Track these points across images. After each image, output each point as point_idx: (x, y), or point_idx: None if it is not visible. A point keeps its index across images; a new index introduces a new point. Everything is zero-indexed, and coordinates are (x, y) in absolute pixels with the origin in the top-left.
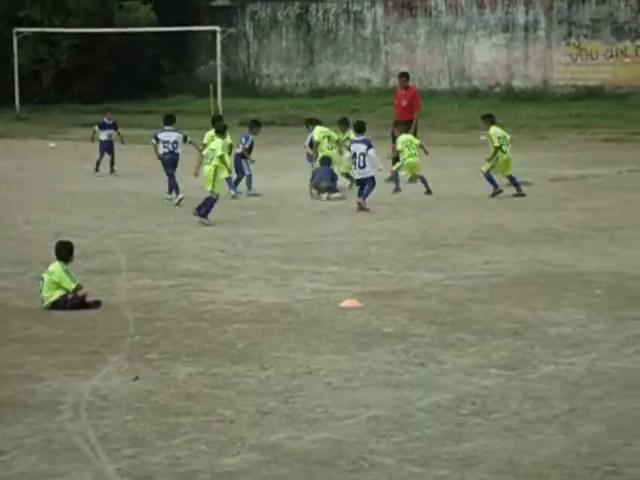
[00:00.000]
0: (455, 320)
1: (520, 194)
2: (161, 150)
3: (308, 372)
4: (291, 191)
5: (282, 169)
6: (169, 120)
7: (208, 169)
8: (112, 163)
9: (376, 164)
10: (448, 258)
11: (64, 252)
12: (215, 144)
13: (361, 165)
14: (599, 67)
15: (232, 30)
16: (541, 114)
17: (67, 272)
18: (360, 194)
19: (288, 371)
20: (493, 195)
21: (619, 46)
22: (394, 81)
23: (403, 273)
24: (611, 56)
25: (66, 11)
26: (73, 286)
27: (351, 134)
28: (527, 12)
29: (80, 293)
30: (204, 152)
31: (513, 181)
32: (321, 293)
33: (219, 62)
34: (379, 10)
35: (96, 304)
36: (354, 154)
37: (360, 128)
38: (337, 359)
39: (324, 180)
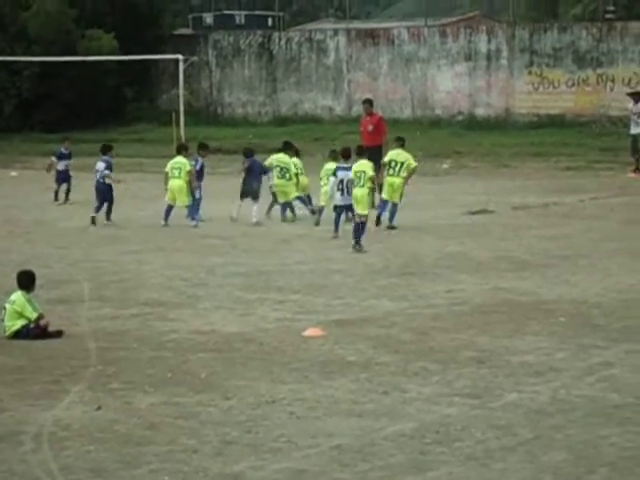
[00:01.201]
0: (419, 349)
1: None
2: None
3: (271, 401)
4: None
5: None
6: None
7: (179, 183)
8: (68, 192)
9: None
10: (411, 286)
11: (26, 281)
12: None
13: (348, 192)
14: (561, 96)
15: (194, 58)
16: (503, 142)
17: (29, 301)
18: (336, 227)
19: (251, 400)
20: None
21: (581, 75)
22: (357, 109)
23: (366, 302)
24: (573, 85)
25: (28, 39)
26: (35, 315)
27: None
28: (489, 41)
29: (42, 322)
30: (166, 169)
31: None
32: (284, 322)
33: (182, 90)
34: (342, 39)
35: (58, 333)
36: (341, 180)
37: (346, 155)
38: (300, 388)
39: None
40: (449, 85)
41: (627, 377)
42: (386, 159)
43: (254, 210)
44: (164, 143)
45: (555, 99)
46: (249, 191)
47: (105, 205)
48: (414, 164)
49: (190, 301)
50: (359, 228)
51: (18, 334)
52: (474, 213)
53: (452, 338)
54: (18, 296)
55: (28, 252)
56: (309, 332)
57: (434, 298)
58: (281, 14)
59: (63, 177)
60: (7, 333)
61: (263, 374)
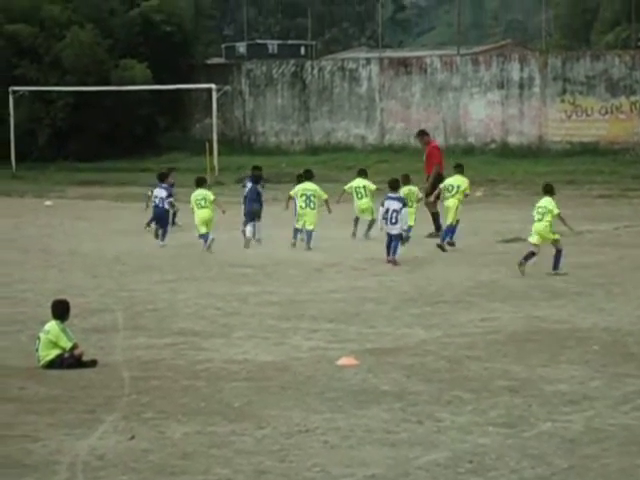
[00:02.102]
0: (452, 378)
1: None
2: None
3: (305, 431)
4: (287, 248)
5: (277, 225)
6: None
7: (209, 212)
8: (174, 217)
9: (404, 222)
10: (444, 315)
11: (60, 311)
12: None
13: (393, 221)
14: (594, 123)
15: (228, 88)
16: (537, 170)
17: (64, 331)
18: (388, 252)
19: (285, 430)
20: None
21: (614, 102)
22: (389, 138)
23: (400, 330)
24: (606, 112)
25: (62, 70)
26: (69, 345)
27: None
28: (522, 69)
29: (76, 352)
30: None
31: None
32: (318, 351)
33: (215, 120)
34: (374, 67)
35: (92, 363)
36: (387, 210)
37: (394, 186)
38: (334, 417)
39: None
40: (482, 113)
41: None
42: (443, 184)
43: (256, 229)
44: (197, 172)
45: (588, 127)
46: (255, 212)
47: (159, 228)
48: (468, 190)
49: (223, 330)
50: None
51: (52, 364)
52: (507, 241)
53: (486, 367)
54: (52, 326)
55: (63, 281)
56: (342, 361)
57: (468, 327)
58: (313, 43)
59: (158, 215)
60: (41, 363)
61: (297, 403)
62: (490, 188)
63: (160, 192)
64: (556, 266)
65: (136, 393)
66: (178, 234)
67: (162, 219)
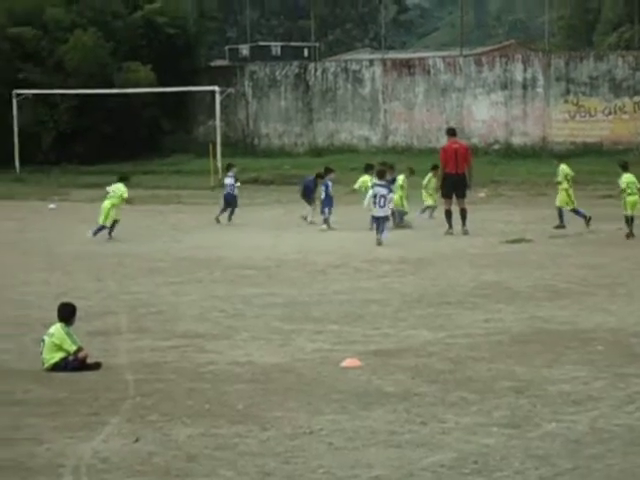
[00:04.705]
0: (456, 379)
1: None
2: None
3: (309, 432)
4: (290, 249)
5: (281, 227)
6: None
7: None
8: (232, 213)
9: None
10: (448, 316)
11: (66, 314)
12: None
13: (381, 205)
14: (597, 124)
15: (231, 90)
16: (540, 171)
17: (68, 334)
18: (378, 230)
19: (289, 431)
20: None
21: (617, 103)
22: (393, 139)
23: (404, 331)
24: (609, 113)
25: (65, 73)
26: (74, 348)
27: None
28: (525, 70)
29: (81, 355)
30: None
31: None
32: (322, 352)
33: (218, 122)
34: (378, 69)
35: (97, 366)
36: (375, 195)
37: (381, 175)
38: (338, 419)
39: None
40: (485, 114)
41: None
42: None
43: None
44: (201, 174)
45: (592, 127)
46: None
47: (229, 210)
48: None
49: (227, 332)
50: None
51: (57, 367)
52: (511, 242)
53: (490, 368)
54: (57, 329)
55: (66, 284)
56: (347, 363)
57: (471, 328)
58: (317, 45)
59: (229, 200)
60: (45, 365)
61: (301, 405)
62: (493, 189)
63: (229, 180)
64: None
65: (140, 396)
66: (183, 236)
67: (233, 202)
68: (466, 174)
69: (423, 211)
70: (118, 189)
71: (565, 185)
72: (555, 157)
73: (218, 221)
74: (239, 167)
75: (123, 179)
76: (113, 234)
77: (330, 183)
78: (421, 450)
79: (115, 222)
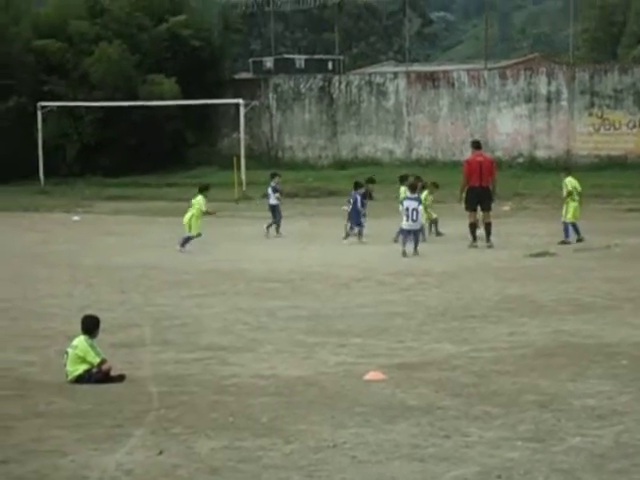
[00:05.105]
0: (480, 392)
1: None
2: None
3: (333, 446)
4: (314, 262)
5: (305, 240)
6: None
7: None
8: (278, 226)
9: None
10: (473, 329)
11: (90, 326)
12: None
13: (414, 218)
14: (622, 137)
15: (255, 103)
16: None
17: (92, 346)
18: (405, 243)
19: (313, 445)
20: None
21: None
22: (417, 152)
23: (428, 345)
24: (634, 126)
25: (90, 85)
26: (97, 360)
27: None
28: (549, 83)
29: (104, 367)
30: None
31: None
32: (345, 366)
33: (242, 134)
34: (402, 82)
35: (120, 378)
36: (407, 208)
37: (413, 188)
38: (362, 432)
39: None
40: (509, 127)
41: None
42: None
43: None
44: (225, 187)
45: (616, 140)
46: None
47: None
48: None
49: (251, 345)
50: None
51: (80, 379)
52: (536, 255)
53: (514, 381)
54: (80, 341)
55: (90, 297)
56: (370, 376)
57: (496, 341)
58: (341, 58)
59: (270, 209)
60: (69, 378)
61: (324, 418)
62: (518, 202)
63: (269, 190)
64: None
65: (164, 408)
66: (207, 248)
67: (272, 212)
68: (490, 187)
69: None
70: (197, 202)
71: (571, 199)
72: (564, 169)
73: (270, 233)
74: (263, 180)
75: (202, 190)
76: (187, 247)
77: (359, 197)
78: (444, 464)
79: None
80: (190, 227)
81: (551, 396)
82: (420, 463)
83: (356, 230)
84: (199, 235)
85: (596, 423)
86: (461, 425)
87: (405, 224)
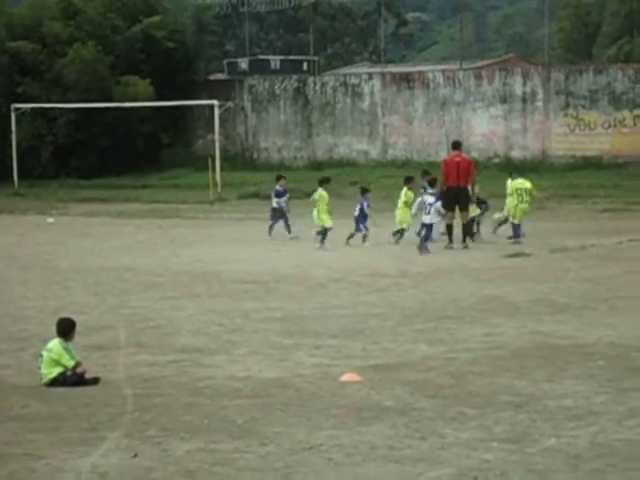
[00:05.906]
0: (456, 393)
1: None
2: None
3: (309, 448)
4: (289, 264)
5: (280, 242)
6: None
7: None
8: (288, 226)
9: (438, 213)
10: (448, 330)
11: (65, 329)
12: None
13: (427, 212)
14: (597, 137)
15: (230, 104)
16: (540, 184)
17: (66, 349)
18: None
19: (288, 447)
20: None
21: (617, 116)
22: (392, 153)
23: (403, 346)
24: (609, 126)
25: (64, 87)
26: (72, 363)
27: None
28: (525, 83)
29: (79, 370)
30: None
31: None
32: (321, 367)
33: (217, 136)
34: (377, 83)
35: (95, 381)
36: (423, 202)
37: (432, 183)
38: (338, 434)
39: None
40: (485, 128)
41: None
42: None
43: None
44: (200, 188)
45: (591, 141)
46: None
47: (284, 223)
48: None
49: (226, 347)
50: None
51: (55, 382)
52: (512, 256)
53: (490, 382)
54: (55, 344)
55: (65, 299)
56: (346, 377)
57: (471, 342)
58: (316, 58)
59: (279, 214)
60: (44, 381)
61: (300, 420)
62: (493, 203)
63: (272, 192)
64: None
65: (139, 410)
66: (181, 251)
67: (273, 215)
68: (468, 188)
69: (395, 233)
70: (319, 195)
71: (515, 199)
72: (515, 171)
73: (290, 234)
74: (238, 181)
75: (322, 182)
76: (325, 243)
77: (366, 203)
78: (420, 465)
79: (326, 230)
80: (321, 219)
81: (527, 397)
82: (396, 465)
83: (364, 231)
84: (330, 228)
85: (572, 423)
86: (437, 426)
87: (427, 218)
